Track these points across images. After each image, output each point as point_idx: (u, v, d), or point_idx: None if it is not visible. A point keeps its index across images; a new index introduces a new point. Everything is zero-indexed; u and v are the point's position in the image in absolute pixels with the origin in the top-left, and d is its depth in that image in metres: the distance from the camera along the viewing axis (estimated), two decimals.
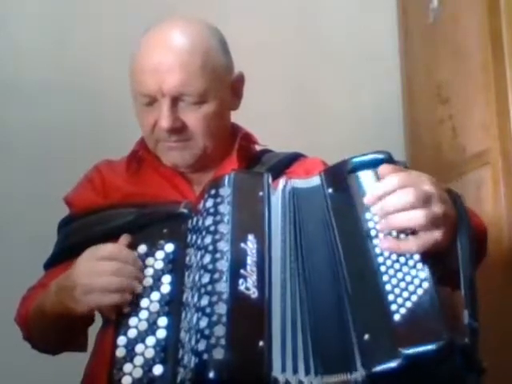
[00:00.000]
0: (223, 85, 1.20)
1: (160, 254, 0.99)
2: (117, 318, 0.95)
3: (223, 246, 0.91)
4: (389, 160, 0.99)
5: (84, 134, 1.94)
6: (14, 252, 1.83)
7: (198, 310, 0.87)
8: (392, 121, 2.16)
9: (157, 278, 0.96)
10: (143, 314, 0.93)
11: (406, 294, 0.86)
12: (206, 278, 0.89)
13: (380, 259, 0.90)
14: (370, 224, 0.93)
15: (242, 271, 0.88)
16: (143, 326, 0.93)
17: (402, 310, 0.84)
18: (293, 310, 0.89)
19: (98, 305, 0.96)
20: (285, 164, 1.24)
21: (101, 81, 1.96)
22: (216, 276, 0.88)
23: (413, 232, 0.90)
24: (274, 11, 2.11)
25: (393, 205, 0.90)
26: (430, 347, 0.81)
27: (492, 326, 1.60)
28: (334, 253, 0.93)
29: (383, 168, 0.94)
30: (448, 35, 1.86)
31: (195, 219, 0.99)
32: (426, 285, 0.86)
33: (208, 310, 0.86)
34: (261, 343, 0.83)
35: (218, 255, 0.90)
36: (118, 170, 1.26)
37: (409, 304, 0.85)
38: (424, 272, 0.88)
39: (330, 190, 0.98)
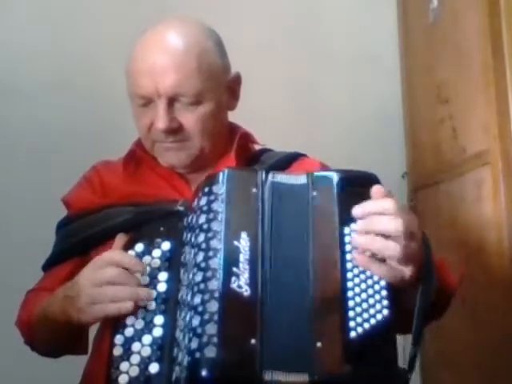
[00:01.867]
0: (219, 85, 1.20)
1: (157, 252, 0.98)
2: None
3: (216, 243, 0.91)
4: (377, 183, 0.98)
5: (84, 133, 1.94)
6: (14, 252, 1.83)
7: (191, 308, 0.87)
8: (392, 121, 2.16)
9: (153, 277, 0.96)
10: (140, 313, 0.93)
11: (366, 316, 0.88)
12: (198, 276, 0.89)
13: (349, 275, 0.91)
14: (347, 239, 0.93)
15: (234, 269, 0.88)
16: (140, 324, 0.92)
17: (359, 330, 0.87)
18: (278, 308, 0.89)
19: (103, 315, 0.95)
20: (284, 163, 1.24)
21: (101, 81, 1.96)
22: (209, 274, 0.88)
23: (384, 260, 0.91)
24: (275, 11, 2.11)
25: (379, 226, 0.90)
26: (377, 371, 0.85)
27: (492, 324, 1.60)
28: (305, 255, 0.93)
29: (377, 189, 0.94)
30: (448, 35, 1.86)
31: (190, 217, 0.99)
32: (386, 312, 0.89)
33: (200, 309, 0.86)
34: (253, 341, 0.84)
35: (210, 253, 0.90)
36: (115, 170, 1.26)
37: (367, 325, 0.88)
38: (387, 300, 0.90)
39: (315, 193, 0.97)
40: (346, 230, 0.94)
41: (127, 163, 1.25)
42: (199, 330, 0.84)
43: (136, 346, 0.91)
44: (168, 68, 1.13)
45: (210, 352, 0.82)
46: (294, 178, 1.00)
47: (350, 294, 0.89)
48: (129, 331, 0.92)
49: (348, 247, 0.93)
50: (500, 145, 1.58)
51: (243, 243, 0.91)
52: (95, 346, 1.16)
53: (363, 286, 0.90)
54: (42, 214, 1.73)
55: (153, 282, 0.96)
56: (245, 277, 0.88)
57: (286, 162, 1.25)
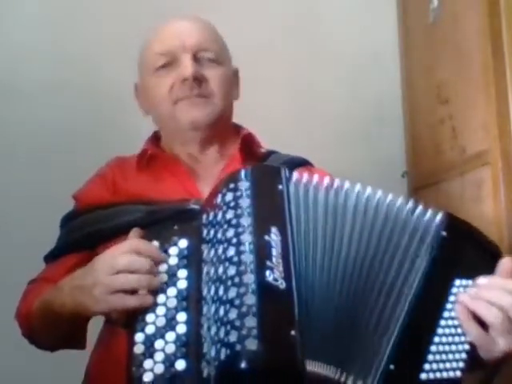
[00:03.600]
0: (230, 65, 1.28)
1: (174, 250, 0.98)
2: (128, 318, 0.95)
3: (247, 238, 0.91)
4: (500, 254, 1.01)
5: (84, 133, 1.94)
6: (14, 252, 1.83)
7: (226, 302, 0.87)
8: (392, 121, 2.16)
9: (172, 274, 0.96)
10: (160, 310, 0.93)
11: (441, 366, 0.91)
12: (231, 271, 0.88)
13: (442, 322, 0.93)
14: (454, 290, 0.95)
15: (268, 263, 0.88)
16: (161, 321, 0.92)
17: (431, 375, 0.90)
18: (319, 301, 0.90)
19: (120, 306, 0.94)
20: (292, 165, 1.23)
21: (101, 80, 1.96)
22: (242, 268, 0.88)
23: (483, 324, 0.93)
24: (275, 11, 2.11)
25: (492, 298, 0.92)
26: None
27: None
28: (403, 275, 0.95)
29: (507, 263, 0.96)
30: (448, 35, 1.86)
31: (212, 214, 0.98)
32: (458, 374, 0.91)
33: (237, 302, 0.85)
34: (292, 332, 0.83)
35: (242, 248, 0.90)
36: (127, 168, 1.27)
37: (438, 375, 0.90)
38: (464, 363, 0.92)
39: (445, 233, 0.98)
40: (458, 282, 0.96)
41: (140, 161, 1.26)
42: (237, 323, 0.83)
43: (159, 344, 0.90)
44: (193, 29, 1.23)
45: (251, 344, 0.81)
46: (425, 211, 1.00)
47: (436, 339, 0.92)
48: (150, 328, 0.92)
49: (452, 298, 0.95)
50: (500, 145, 1.58)
51: (274, 237, 0.91)
52: (103, 344, 1.16)
53: (450, 339, 0.93)
54: (41, 214, 1.73)
55: (172, 279, 0.95)
56: (279, 270, 0.88)
57: (295, 164, 1.25)
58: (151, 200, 1.16)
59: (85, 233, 1.18)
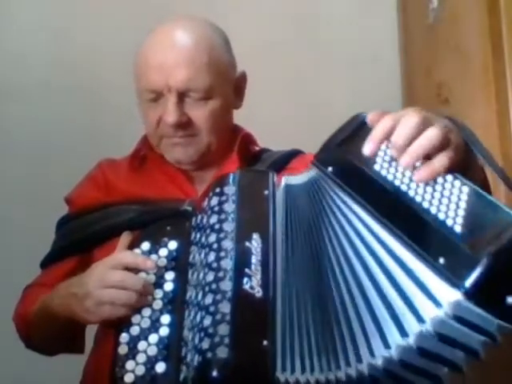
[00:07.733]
0: (227, 82, 1.21)
1: (163, 252, 0.98)
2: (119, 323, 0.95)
3: (228, 244, 0.90)
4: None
5: (84, 133, 1.94)
6: (14, 252, 1.83)
7: (202, 308, 0.86)
8: None
9: (160, 276, 0.96)
10: (146, 312, 0.93)
11: (453, 206, 0.78)
12: (210, 276, 0.88)
13: (418, 198, 0.81)
14: (393, 179, 0.84)
15: (246, 270, 0.87)
16: (146, 323, 0.92)
17: (459, 220, 0.77)
18: (296, 310, 0.87)
19: (109, 317, 0.95)
20: (285, 160, 1.24)
21: (100, 81, 1.96)
22: (220, 274, 0.87)
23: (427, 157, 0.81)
24: (274, 11, 2.11)
25: (403, 134, 0.80)
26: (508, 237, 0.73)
27: None
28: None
29: (372, 115, 0.86)
30: (448, 35, 1.86)
31: (199, 217, 0.98)
32: (465, 189, 0.79)
33: (212, 309, 0.85)
34: (265, 342, 0.82)
35: (222, 254, 0.89)
36: (120, 168, 1.26)
37: (461, 212, 0.77)
38: (459, 180, 0.81)
39: (330, 169, 0.92)
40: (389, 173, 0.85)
41: (132, 162, 1.25)
42: (211, 330, 0.83)
43: (142, 345, 0.91)
44: (179, 63, 1.14)
45: (222, 353, 0.81)
46: (303, 175, 0.96)
47: (425, 204, 0.79)
48: (134, 330, 0.92)
49: (404, 187, 0.82)
50: (500, 145, 1.58)
51: (255, 244, 0.90)
52: (97, 344, 1.16)
53: (429, 189, 0.80)
54: (41, 215, 1.73)
55: (159, 281, 0.96)
56: (257, 278, 0.87)
57: (287, 158, 1.25)
58: (146, 199, 1.16)
59: (79, 236, 1.18)
